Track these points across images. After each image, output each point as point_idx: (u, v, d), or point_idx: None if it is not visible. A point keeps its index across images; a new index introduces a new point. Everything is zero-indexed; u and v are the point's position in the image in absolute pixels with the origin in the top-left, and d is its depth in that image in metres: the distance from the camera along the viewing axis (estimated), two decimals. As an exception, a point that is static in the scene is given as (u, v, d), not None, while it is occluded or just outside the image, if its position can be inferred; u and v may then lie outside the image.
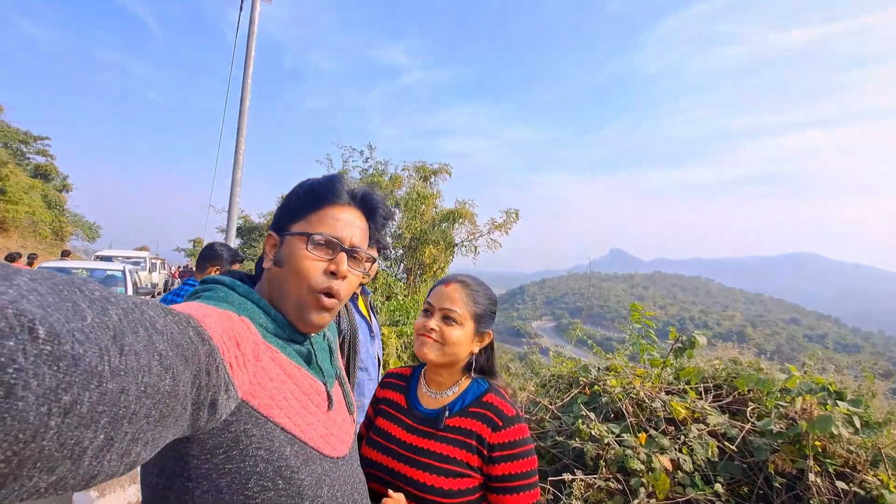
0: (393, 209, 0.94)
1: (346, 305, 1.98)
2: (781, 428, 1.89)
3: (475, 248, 13.30)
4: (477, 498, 1.03)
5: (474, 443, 1.04)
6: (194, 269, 2.71)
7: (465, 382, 1.16)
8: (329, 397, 0.81)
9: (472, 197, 13.50)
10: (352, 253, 0.80)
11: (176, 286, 3.59)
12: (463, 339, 1.11)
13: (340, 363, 0.96)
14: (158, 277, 17.03)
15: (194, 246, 29.89)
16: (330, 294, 0.77)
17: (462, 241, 13.28)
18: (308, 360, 0.79)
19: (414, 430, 1.11)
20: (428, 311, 1.15)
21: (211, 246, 2.61)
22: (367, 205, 0.86)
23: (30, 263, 8.63)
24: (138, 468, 0.62)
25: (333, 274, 0.77)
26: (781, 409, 2.01)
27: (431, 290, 1.19)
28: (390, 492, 0.99)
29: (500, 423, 1.05)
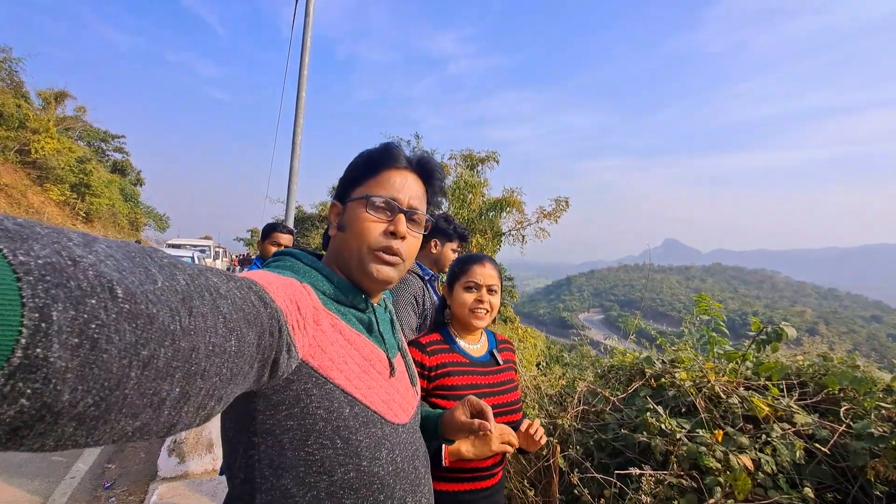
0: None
1: (426, 285, 1.99)
2: (884, 431, 1.69)
3: (523, 237, 13.07)
4: None
5: (513, 365, 1.52)
6: (253, 256, 3.19)
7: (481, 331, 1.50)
8: (391, 365, 0.83)
9: (519, 185, 13.26)
10: (410, 214, 0.82)
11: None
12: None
13: (403, 337, 0.98)
14: (221, 265, 18.19)
15: (252, 235, 31.55)
16: (390, 252, 0.79)
17: (509, 231, 13.08)
18: (369, 328, 0.82)
19: (488, 373, 1.40)
20: (474, 288, 1.38)
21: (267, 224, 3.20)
22: (424, 168, 0.88)
23: None
24: (218, 430, 0.64)
25: (393, 234, 0.80)
26: (883, 411, 1.80)
27: (463, 268, 1.41)
28: (498, 424, 1.31)
29: (513, 348, 1.57)
